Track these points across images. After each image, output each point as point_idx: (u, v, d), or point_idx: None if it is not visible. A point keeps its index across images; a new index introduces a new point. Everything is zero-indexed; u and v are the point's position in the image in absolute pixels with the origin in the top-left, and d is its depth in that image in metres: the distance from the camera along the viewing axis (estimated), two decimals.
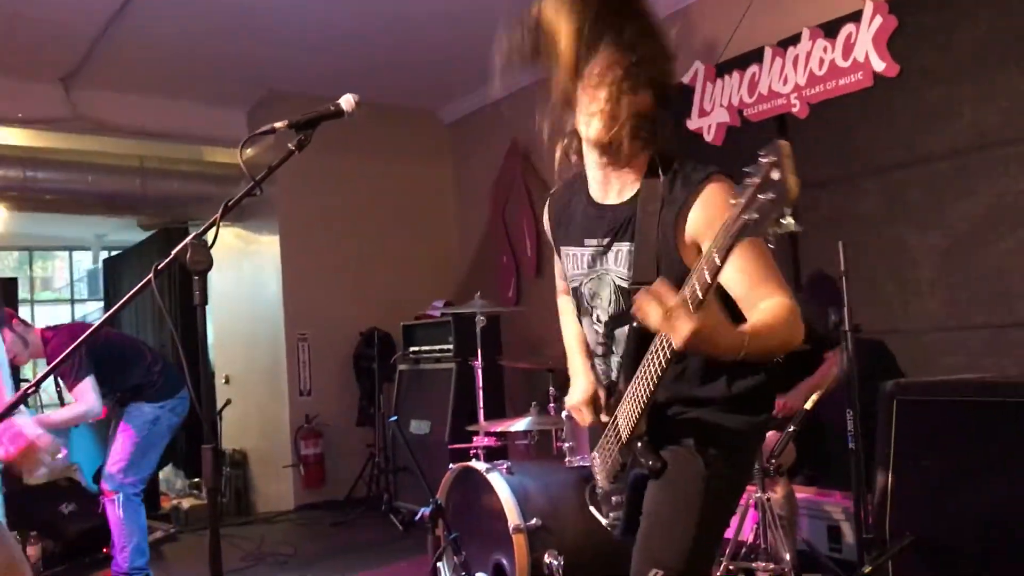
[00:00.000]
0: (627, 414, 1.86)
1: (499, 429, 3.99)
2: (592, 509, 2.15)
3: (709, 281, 1.43)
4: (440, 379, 5.88)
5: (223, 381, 7.79)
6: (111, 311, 2.06)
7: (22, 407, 4.01)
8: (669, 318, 1.49)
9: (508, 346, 6.18)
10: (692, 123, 4.86)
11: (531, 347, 5.84)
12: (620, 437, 1.91)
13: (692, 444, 1.86)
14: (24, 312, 9.97)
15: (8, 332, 4.16)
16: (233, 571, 4.90)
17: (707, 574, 1.91)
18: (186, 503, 6.89)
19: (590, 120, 1.82)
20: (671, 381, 1.86)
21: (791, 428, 3.24)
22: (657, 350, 1.67)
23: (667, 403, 1.89)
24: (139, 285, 2.05)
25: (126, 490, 4.25)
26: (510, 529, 3.31)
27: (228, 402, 7.34)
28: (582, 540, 3.35)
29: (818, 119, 4.29)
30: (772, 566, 3.23)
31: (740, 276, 1.71)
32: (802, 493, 3.89)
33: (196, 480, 7.40)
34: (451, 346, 5.81)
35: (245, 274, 7.50)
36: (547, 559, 3.27)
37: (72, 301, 11.76)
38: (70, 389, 4.10)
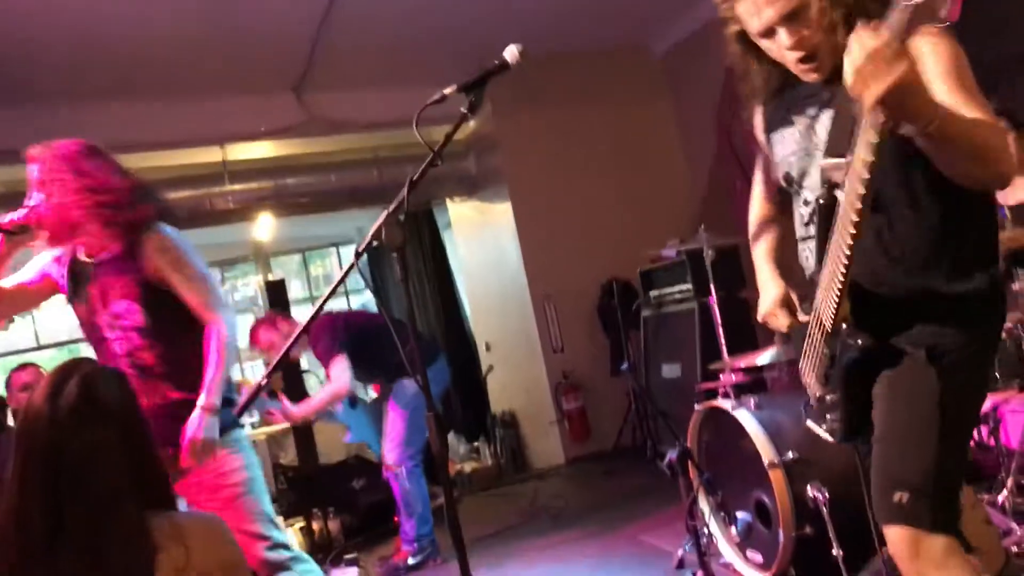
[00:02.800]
0: (826, 299, 1.72)
1: (743, 364, 3.81)
2: (810, 423, 2.03)
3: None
4: (684, 320, 5.74)
5: (484, 348, 8.14)
6: (324, 297, 2.17)
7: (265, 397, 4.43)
8: (868, 63, 1.33)
9: (753, 274, 5.88)
10: None
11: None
12: (824, 327, 1.77)
13: (922, 354, 1.67)
14: (305, 310, 11.04)
15: (275, 333, 4.55)
16: (509, 527, 5.11)
17: (956, 489, 1.72)
18: (468, 467, 7.30)
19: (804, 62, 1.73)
20: (885, 267, 1.71)
21: None
22: (845, 201, 1.55)
23: (881, 299, 1.73)
24: (345, 270, 2.15)
25: (406, 464, 4.51)
26: (765, 465, 3.16)
27: (491, 368, 7.68)
28: (848, 468, 3.12)
29: None
30: None
31: (939, 83, 1.55)
32: None
33: (475, 444, 7.81)
34: (689, 285, 5.65)
35: (487, 244, 7.76)
36: (810, 492, 3.06)
37: (347, 293, 12.82)
38: (327, 374, 4.44)
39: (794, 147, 1.88)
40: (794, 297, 1.94)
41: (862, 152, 1.46)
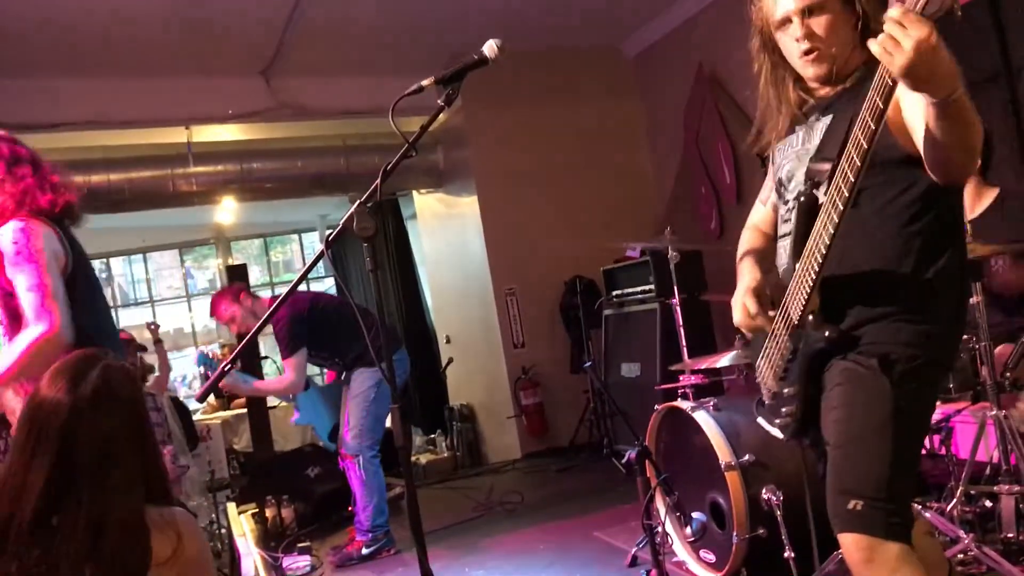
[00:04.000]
0: (797, 291, 1.79)
1: (703, 366, 3.86)
2: (761, 420, 2.08)
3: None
4: (646, 320, 5.80)
5: (445, 341, 8.13)
6: (292, 285, 2.16)
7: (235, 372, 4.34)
8: (895, 29, 1.37)
9: (714, 279, 5.96)
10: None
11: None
12: (791, 319, 1.83)
13: (874, 362, 1.72)
14: (265, 294, 10.94)
15: (238, 307, 4.53)
16: (466, 521, 5.12)
17: (909, 497, 1.77)
18: (424, 459, 7.30)
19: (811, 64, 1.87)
20: (856, 260, 1.78)
21: None
22: (834, 193, 1.65)
23: (841, 306, 1.79)
24: (312, 260, 2.14)
25: (364, 453, 4.47)
26: (722, 467, 3.21)
27: (451, 360, 7.68)
28: (801, 473, 3.18)
29: None
30: (1017, 488, 2.91)
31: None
32: None
33: (432, 436, 7.80)
34: (652, 286, 5.70)
35: (452, 236, 7.75)
36: (765, 495, 3.12)
37: (307, 280, 12.74)
38: (284, 361, 4.41)
39: (790, 153, 1.96)
40: (767, 292, 1.97)
41: (868, 121, 1.52)
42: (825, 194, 1.71)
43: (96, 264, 10.72)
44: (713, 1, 6.13)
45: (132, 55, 5.84)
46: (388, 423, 4.45)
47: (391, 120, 2.12)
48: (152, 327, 5.92)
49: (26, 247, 2.36)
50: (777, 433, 2.02)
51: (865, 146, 1.55)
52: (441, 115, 2.12)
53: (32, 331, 2.31)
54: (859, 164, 1.58)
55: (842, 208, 1.63)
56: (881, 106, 1.49)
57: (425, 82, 2.12)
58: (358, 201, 2.05)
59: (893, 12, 1.38)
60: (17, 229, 2.38)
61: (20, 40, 5.36)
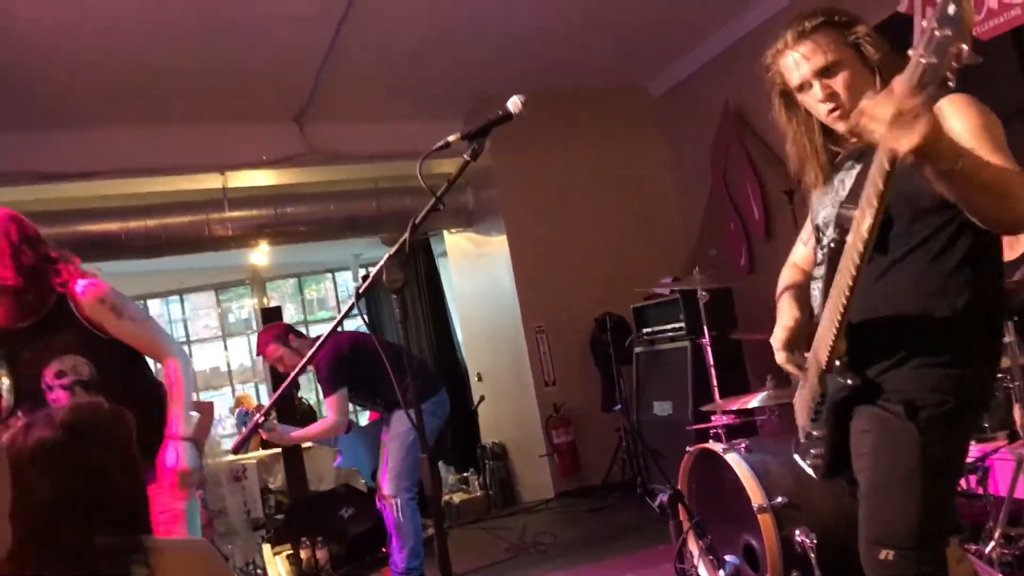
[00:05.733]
0: (825, 335, 1.80)
1: (735, 407, 3.85)
2: (796, 457, 2.09)
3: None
4: (677, 358, 5.78)
5: (476, 379, 8.15)
6: (324, 337, 2.21)
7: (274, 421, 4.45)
8: (904, 115, 1.41)
9: (745, 317, 5.95)
10: None
11: (770, 315, 5.58)
12: (819, 363, 1.84)
13: (900, 408, 1.73)
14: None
15: (284, 349, 4.56)
16: (497, 563, 5.11)
17: (941, 543, 1.77)
18: (457, 498, 7.28)
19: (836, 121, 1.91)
20: (883, 302, 1.79)
21: None
22: (851, 236, 1.65)
23: (868, 351, 1.80)
24: (344, 311, 2.19)
25: (402, 495, 4.43)
26: (754, 509, 3.19)
27: (482, 398, 7.69)
28: (835, 514, 3.16)
29: None
30: None
31: (966, 138, 1.62)
32: None
33: (465, 475, 7.80)
34: (682, 324, 5.69)
35: (482, 275, 7.80)
36: (798, 536, 3.11)
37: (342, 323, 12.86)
38: (325, 400, 4.45)
39: (826, 200, 1.99)
40: (800, 333, 2.00)
41: (874, 180, 1.55)
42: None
43: None
44: (738, 39, 6.18)
45: (168, 104, 6.00)
46: None
47: (419, 175, 2.18)
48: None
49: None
50: (810, 471, 2.04)
51: (878, 200, 1.57)
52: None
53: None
54: (875, 211, 1.58)
55: (858, 257, 1.64)
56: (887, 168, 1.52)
57: (452, 138, 2.17)
58: (387, 254, 2.10)
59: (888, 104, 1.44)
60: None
61: (59, 93, 5.54)
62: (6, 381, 2.56)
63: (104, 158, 6.14)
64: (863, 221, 1.60)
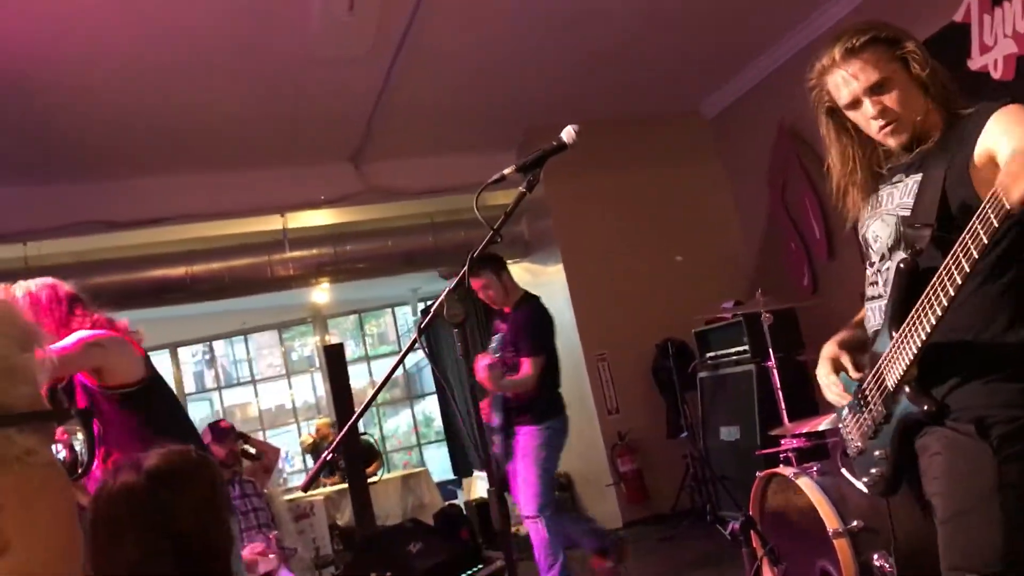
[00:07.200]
0: (896, 359, 1.76)
1: (804, 430, 3.76)
2: (844, 472, 2.07)
3: None
4: (742, 382, 5.69)
5: None
6: (387, 375, 2.22)
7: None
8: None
9: (811, 336, 5.82)
10: (974, 63, 4.32)
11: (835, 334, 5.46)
12: (885, 386, 1.81)
13: (971, 427, 1.68)
14: (361, 368, 11.17)
15: (493, 277, 4.60)
16: None
17: None
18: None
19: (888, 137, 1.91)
20: (955, 328, 1.73)
21: None
22: (944, 277, 1.60)
23: (935, 373, 1.76)
24: (407, 346, 2.21)
25: (544, 512, 4.34)
26: (830, 534, 3.11)
27: None
28: (913, 537, 3.06)
29: None
30: None
31: None
32: None
33: None
34: (746, 347, 5.60)
35: None
36: (876, 561, 3.02)
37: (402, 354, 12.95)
38: (523, 359, 4.43)
39: (874, 213, 1.98)
40: (844, 358, 2.00)
41: (980, 232, 1.51)
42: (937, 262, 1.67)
43: (199, 347, 11.20)
44: (790, 57, 6.13)
45: (228, 150, 6.19)
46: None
47: (476, 210, 2.20)
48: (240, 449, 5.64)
49: None
50: (862, 488, 2.02)
51: (986, 242, 1.52)
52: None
53: None
54: (977, 255, 1.53)
55: (960, 282, 1.58)
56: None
57: (507, 171, 2.18)
58: (447, 288, 2.12)
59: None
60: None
61: (126, 145, 5.76)
62: (80, 435, 2.62)
63: (168, 205, 6.34)
64: (966, 253, 1.54)
